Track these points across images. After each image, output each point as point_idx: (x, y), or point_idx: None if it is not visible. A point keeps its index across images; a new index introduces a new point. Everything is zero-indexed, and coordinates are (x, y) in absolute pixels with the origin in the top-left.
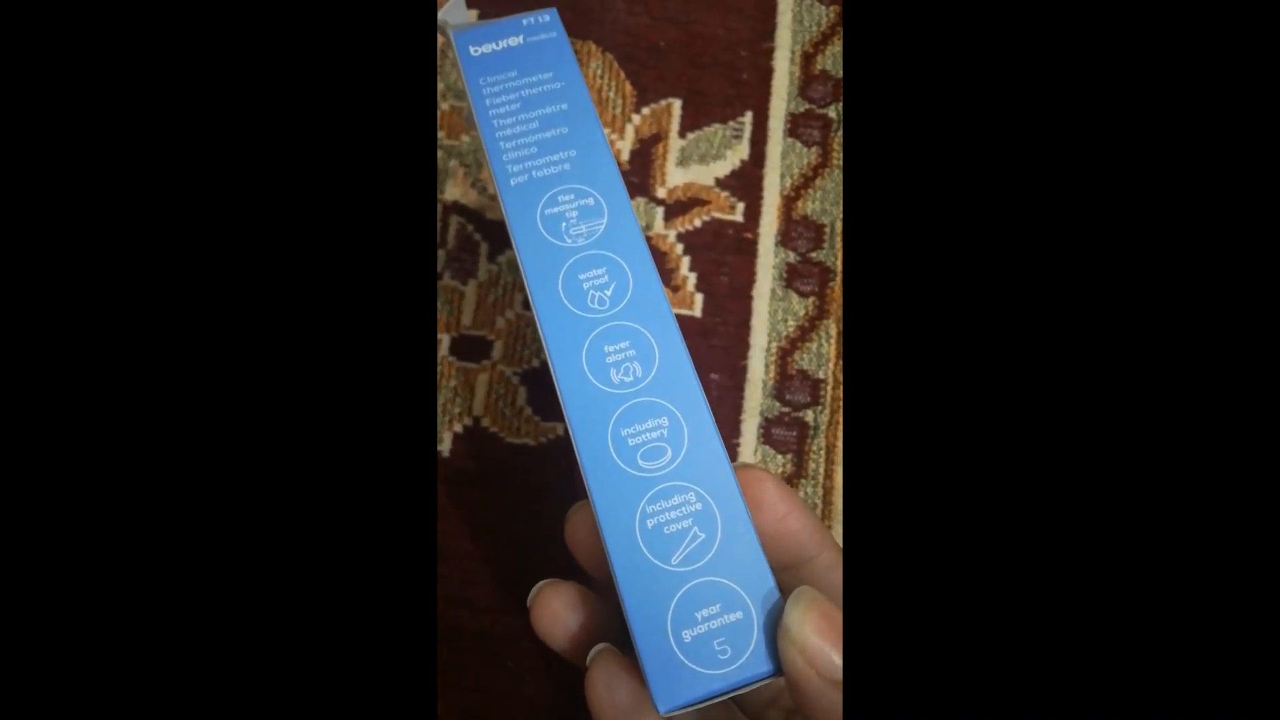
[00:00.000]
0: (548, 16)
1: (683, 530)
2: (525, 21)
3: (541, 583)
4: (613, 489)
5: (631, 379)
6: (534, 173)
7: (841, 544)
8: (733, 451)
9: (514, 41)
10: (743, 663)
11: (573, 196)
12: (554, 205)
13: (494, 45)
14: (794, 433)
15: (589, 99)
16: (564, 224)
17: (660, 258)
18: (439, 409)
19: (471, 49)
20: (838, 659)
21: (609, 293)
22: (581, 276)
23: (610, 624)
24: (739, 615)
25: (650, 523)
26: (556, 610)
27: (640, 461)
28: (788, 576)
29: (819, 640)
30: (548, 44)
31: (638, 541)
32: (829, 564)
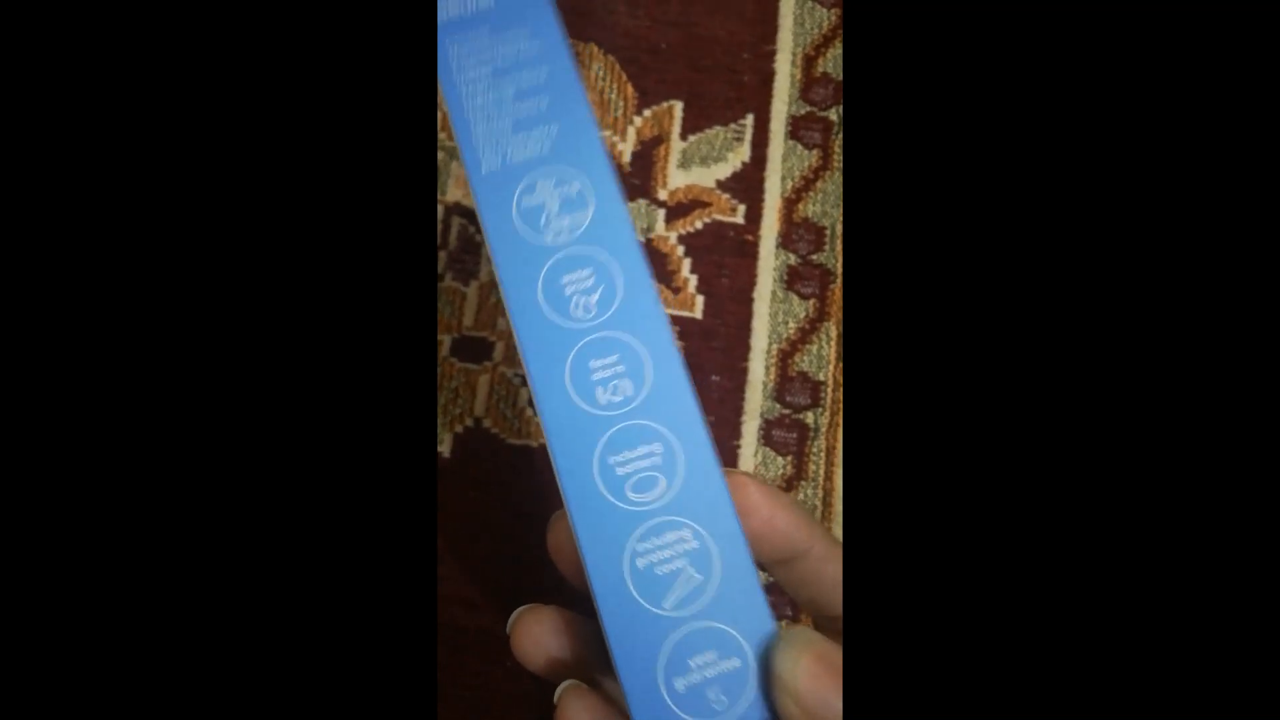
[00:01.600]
0: None
1: (676, 571)
2: None
3: (521, 608)
4: (599, 524)
5: (620, 399)
6: (509, 155)
7: (841, 544)
8: (733, 453)
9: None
10: (739, 714)
11: (554, 183)
12: (532, 194)
13: (461, 8)
14: (794, 434)
15: (573, 64)
16: (544, 216)
17: (661, 260)
18: (440, 410)
19: (439, 10)
20: (835, 702)
21: (595, 298)
22: (564, 279)
23: (593, 646)
24: (736, 663)
25: (640, 562)
26: (537, 637)
27: (630, 493)
28: (781, 572)
29: (812, 685)
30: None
31: (626, 583)
32: (821, 556)
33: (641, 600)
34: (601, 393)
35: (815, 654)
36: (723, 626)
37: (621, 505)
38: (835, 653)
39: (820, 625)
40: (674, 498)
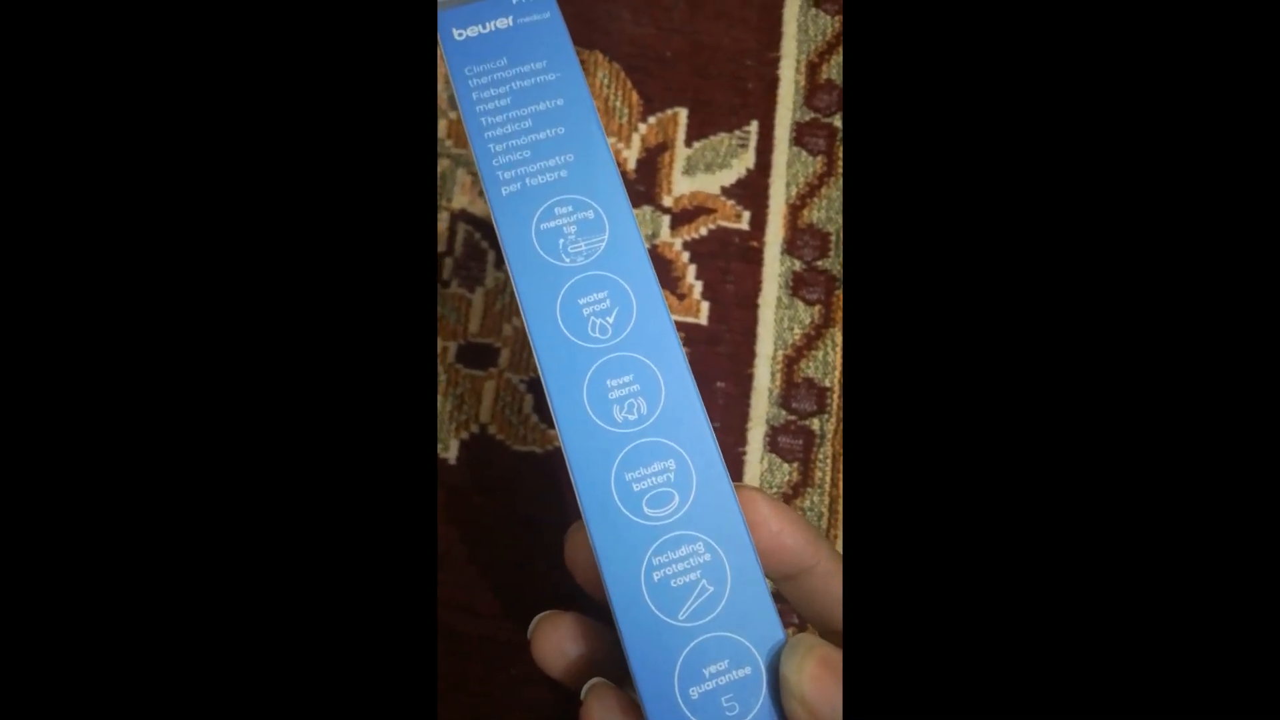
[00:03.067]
0: None
1: (691, 583)
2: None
3: (542, 614)
4: (617, 539)
5: (636, 417)
6: (528, 180)
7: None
8: (739, 460)
9: (503, 23)
10: (750, 719)
11: (571, 208)
12: (551, 218)
13: (480, 28)
14: (800, 441)
15: (587, 93)
16: (562, 240)
17: (667, 266)
18: (446, 416)
19: (455, 32)
20: (840, 705)
21: (611, 319)
22: (581, 301)
23: (610, 652)
24: (747, 671)
25: (657, 575)
26: (557, 643)
27: (646, 509)
28: (787, 587)
29: (817, 689)
30: (541, 27)
31: (644, 596)
32: (827, 572)
33: (658, 612)
34: (618, 411)
35: (820, 659)
36: (735, 636)
37: (638, 520)
38: (840, 657)
39: (825, 640)
40: (687, 512)
